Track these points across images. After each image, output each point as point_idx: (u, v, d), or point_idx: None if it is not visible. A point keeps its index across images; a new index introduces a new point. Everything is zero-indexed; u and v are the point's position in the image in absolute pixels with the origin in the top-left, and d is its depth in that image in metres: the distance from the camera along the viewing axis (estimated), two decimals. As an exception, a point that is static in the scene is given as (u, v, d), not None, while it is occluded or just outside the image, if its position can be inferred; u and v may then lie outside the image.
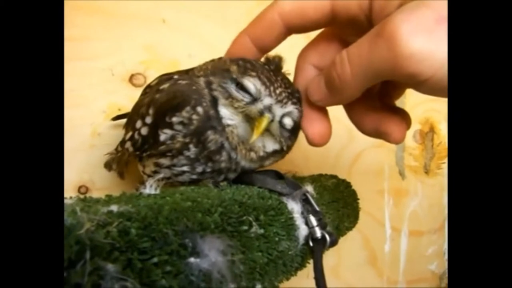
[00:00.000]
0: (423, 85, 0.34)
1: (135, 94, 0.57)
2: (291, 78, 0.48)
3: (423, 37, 0.32)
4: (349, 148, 0.83)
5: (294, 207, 0.46)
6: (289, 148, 0.49)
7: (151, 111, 0.46)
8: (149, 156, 0.49)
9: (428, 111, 0.89)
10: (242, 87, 0.44)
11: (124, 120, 0.60)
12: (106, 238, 0.25)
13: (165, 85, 0.47)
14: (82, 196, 0.33)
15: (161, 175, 0.48)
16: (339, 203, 0.58)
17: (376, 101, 0.45)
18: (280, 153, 0.49)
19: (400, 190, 0.87)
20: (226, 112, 0.45)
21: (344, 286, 0.82)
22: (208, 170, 0.46)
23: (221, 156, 0.45)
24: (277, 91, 0.44)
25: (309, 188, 0.50)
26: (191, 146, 0.45)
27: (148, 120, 0.47)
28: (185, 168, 0.47)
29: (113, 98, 0.67)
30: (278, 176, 0.49)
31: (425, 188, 0.89)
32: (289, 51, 0.47)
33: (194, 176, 0.47)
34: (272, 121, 0.44)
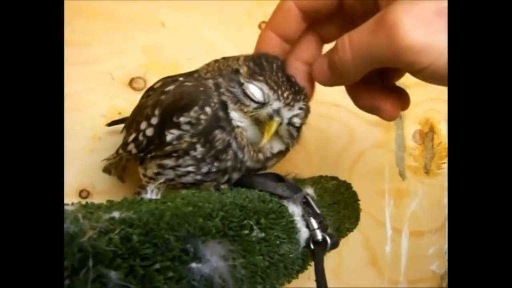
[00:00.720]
0: (421, 73, 0.35)
1: (135, 98, 0.57)
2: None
3: (422, 29, 0.33)
4: (349, 149, 0.83)
5: (295, 210, 0.46)
6: (293, 147, 0.50)
7: (157, 112, 0.46)
8: (153, 157, 0.49)
9: (428, 111, 0.89)
10: (249, 93, 0.44)
11: (120, 126, 0.61)
12: (108, 245, 0.26)
13: (171, 87, 0.47)
14: (83, 202, 0.33)
15: (163, 178, 0.48)
16: (339, 205, 0.58)
17: (375, 79, 0.46)
18: (284, 153, 0.50)
19: (401, 190, 0.87)
20: (235, 115, 0.45)
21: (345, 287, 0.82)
22: (214, 170, 0.47)
23: (228, 155, 0.46)
24: (285, 94, 0.44)
25: (310, 190, 0.50)
26: (198, 146, 0.45)
27: (154, 121, 0.47)
28: (190, 169, 0.47)
29: (113, 102, 0.67)
30: (279, 179, 0.50)
31: (426, 188, 0.89)
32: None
33: (199, 177, 0.47)
34: (280, 124, 0.45)
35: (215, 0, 0.74)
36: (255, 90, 0.44)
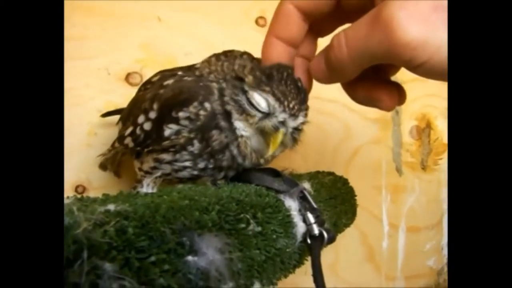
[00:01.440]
0: (418, 69, 0.34)
1: (132, 93, 0.57)
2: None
3: (419, 24, 0.32)
4: (346, 144, 0.83)
5: (292, 204, 0.46)
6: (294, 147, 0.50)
7: (155, 106, 0.46)
8: (149, 151, 0.48)
9: (424, 107, 0.90)
10: (254, 102, 0.44)
11: (116, 117, 0.60)
12: (103, 237, 0.25)
13: (170, 81, 0.47)
14: (79, 196, 0.33)
15: (159, 172, 0.48)
16: (336, 200, 0.58)
17: (371, 75, 0.45)
18: (282, 151, 0.50)
19: (398, 186, 0.88)
20: (240, 124, 0.45)
21: (342, 283, 0.82)
22: (210, 166, 0.47)
23: (224, 155, 0.46)
24: (291, 105, 0.44)
25: (307, 185, 0.50)
26: (195, 141, 0.45)
27: (152, 115, 0.46)
28: (187, 164, 0.47)
29: (110, 97, 0.67)
30: (275, 173, 0.49)
31: (422, 184, 0.89)
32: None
33: (195, 172, 0.47)
34: (285, 133, 0.45)
35: (212, -5, 0.74)
36: (260, 99, 0.44)
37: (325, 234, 0.45)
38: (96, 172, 0.65)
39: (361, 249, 0.85)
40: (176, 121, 0.45)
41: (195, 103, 0.44)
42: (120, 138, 0.52)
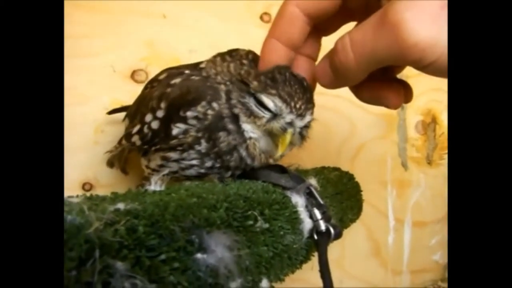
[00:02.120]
0: (427, 68, 0.34)
1: (137, 90, 0.57)
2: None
3: (427, 25, 0.32)
4: (351, 140, 0.83)
5: (298, 200, 0.46)
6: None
7: (163, 105, 0.46)
8: (157, 150, 0.49)
9: (430, 101, 0.89)
10: (261, 104, 0.44)
11: (121, 114, 0.60)
12: (114, 236, 0.26)
13: (177, 80, 0.47)
14: (88, 194, 0.33)
15: (166, 170, 0.48)
16: (342, 196, 0.58)
17: (377, 74, 0.45)
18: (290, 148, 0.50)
19: (403, 181, 0.88)
20: (248, 127, 0.45)
21: (348, 278, 0.82)
22: (217, 165, 0.47)
23: (232, 156, 0.46)
24: (298, 105, 0.44)
25: (313, 181, 0.50)
26: (202, 141, 0.45)
27: (160, 114, 0.47)
28: (194, 162, 0.47)
29: (115, 94, 0.67)
30: (282, 170, 0.50)
31: (428, 178, 0.89)
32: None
33: (202, 170, 0.48)
34: (293, 134, 0.45)
35: (216, -8, 0.74)
36: (268, 101, 0.44)
37: (332, 230, 0.45)
38: (103, 170, 0.65)
39: (367, 244, 0.85)
40: (184, 120, 0.45)
41: (203, 103, 0.44)
42: (127, 135, 0.52)
